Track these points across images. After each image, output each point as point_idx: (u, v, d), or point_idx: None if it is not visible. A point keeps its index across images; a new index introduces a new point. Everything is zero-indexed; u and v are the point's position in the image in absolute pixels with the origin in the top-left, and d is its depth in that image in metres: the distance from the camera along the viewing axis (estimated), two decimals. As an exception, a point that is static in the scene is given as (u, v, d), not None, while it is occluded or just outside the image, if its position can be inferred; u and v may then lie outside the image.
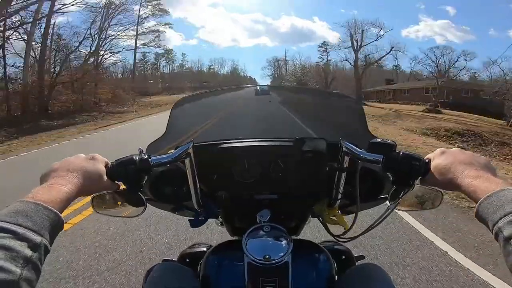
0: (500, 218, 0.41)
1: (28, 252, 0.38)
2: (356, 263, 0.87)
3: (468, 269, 2.20)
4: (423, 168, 0.58)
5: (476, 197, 0.46)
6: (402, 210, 0.67)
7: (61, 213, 0.45)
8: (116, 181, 0.60)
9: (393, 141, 0.63)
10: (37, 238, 0.39)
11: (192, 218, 0.81)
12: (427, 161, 0.58)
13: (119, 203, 0.66)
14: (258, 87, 0.97)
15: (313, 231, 2.02)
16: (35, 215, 0.41)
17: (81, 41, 22.82)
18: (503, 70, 26.49)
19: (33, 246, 0.38)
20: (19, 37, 17.10)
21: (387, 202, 0.66)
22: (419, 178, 0.59)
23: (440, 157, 0.56)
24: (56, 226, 0.43)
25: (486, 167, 0.51)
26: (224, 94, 1.15)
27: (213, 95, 1.14)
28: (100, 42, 25.55)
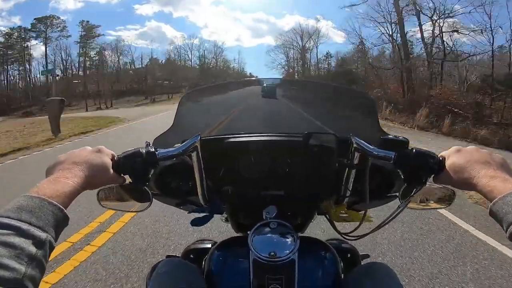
0: None
1: (33, 249, 0.36)
2: (362, 262, 0.86)
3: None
4: (437, 166, 0.57)
5: (492, 197, 0.45)
6: (413, 209, 0.66)
7: (66, 208, 0.43)
8: (122, 175, 0.59)
9: (406, 138, 0.61)
10: (42, 235, 0.38)
11: (195, 216, 0.80)
12: (441, 159, 0.57)
13: (125, 197, 0.65)
14: (265, 82, 0.95)
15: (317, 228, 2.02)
16: (39, 211, 0.40)
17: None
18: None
19: (38, 243, 0.37)
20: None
21: (398, 199, 0.64)
22: (432, 176, 0.58)
23: (455, 155, 0.54)
24: (61, 222, 0.42)
25: (502, 167, 0.50)
26: (233, 88, 1.14)
27: (221, 88, 1.13)
28: None
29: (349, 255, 0.84)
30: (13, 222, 0.37)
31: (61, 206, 0.42)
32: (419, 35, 16.36)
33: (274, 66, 37.04)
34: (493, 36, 13.53)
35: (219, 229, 2.48)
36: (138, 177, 0.59)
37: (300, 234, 0.74)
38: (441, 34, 15.51)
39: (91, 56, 37.79)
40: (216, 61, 43.46)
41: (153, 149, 0.60)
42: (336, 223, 0.79)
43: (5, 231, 0.36)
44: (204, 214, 0.79)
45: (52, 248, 0.40)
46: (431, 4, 15.34)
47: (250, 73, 45.16)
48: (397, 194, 0.65)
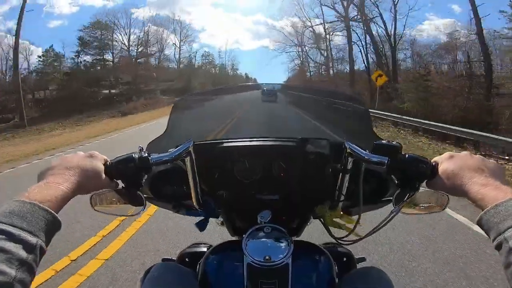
0: (508, 228, 0.40)
1: (23, 254, 0.37)
2: (357, 265, 0.86)
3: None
4: (430, 171, 0.57)
5: (483, 205, 0.45)
6: (406, 213, 0.66)
7: (57, 213, 0.44)
8: (115, 179, 0.59)
9: (399, 143, 0.62)
10: (33, 240, 0.39)
11: (198, 221, 0.80)
12: (434, 164, 0.57)
13: (118, 201, 0.65)
14: (264, 87, 0.95)
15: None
16: (30, 216, 0.40)
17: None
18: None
19: (29, 247, 0.38)
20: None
21: (391, 204, 0.64)
22: (425, 181, 0.58)
23: (448, 161, 0.54)
24: (52, 227, 0.42)
25: (495, 173, 0.50)
26: (227, 93, 1.14)
27: (215, 94, 1.13)
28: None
29: (344, 259, 0.84)
30: (4, 226, 0.38)
31: (52, 211, 0.43)
32: None
33: (281, 52, 27.79)
34: None
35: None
36: (131, 182, 0.60)
37: (295, 238, 0.74)
38: None
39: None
40: (179, 48, 29.61)
41: (146, 154, 0.60)
42: (332, 228, 0.79)
43: None
44: (200, 218, 0.80)
45: (43, 252, 0.40)
46: None
47: (246, 74, 37.90)
48: (391, 198, 0.65)
